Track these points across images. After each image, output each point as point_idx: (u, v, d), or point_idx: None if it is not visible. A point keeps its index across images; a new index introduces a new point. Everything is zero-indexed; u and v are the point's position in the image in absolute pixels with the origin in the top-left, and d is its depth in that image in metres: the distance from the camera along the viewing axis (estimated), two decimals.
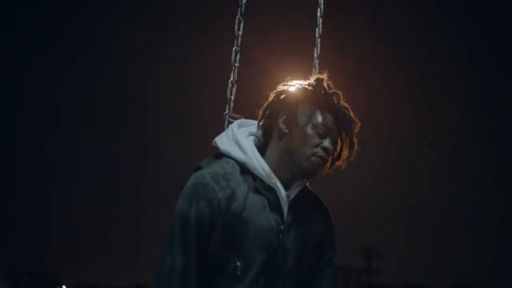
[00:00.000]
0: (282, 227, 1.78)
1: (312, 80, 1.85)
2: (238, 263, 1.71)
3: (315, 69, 2.61)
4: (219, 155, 1.84)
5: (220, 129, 2.02)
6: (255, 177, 1.78)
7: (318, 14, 2.83)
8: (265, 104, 1.87)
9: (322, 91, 1.82)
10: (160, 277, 1.70)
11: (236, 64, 2.09)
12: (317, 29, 2.79)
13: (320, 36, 2.76)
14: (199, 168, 1.82)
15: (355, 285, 43.11)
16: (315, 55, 2.68)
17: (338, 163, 1.86)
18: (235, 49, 2.15)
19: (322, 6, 2.81)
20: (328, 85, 1.84)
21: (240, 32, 2.15)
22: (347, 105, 1.84)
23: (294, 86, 1.86)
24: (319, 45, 2.72)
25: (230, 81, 2.09)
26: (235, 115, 2.06)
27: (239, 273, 1.71)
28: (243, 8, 2.21)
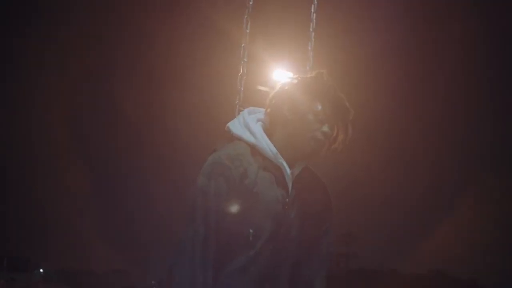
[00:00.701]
0: (287, 200, 2.07)
1: (313, 73, 2.14)
2: (251, 231, 1.99)
3: (309, 62, 2.91)
4: (232, 138, 2.13)
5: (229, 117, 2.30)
6: (263, 157, 2.06)
7: (312, 10, 3.13)
8: (272, 94, 2.15)
9: (322, 84, 2.11)
10: (184, 245, 1.97)
11: (245, 60, 2.37)
12: (311, 24, 3.08)
13: (313, 30, 3.06)
14: (214, 150, 2.11)
15: (334, 270, 43.72)
16: (309, 47, 2.98)
17: (334, 146, 2.15)
18: (243, 46, 2.43)
19: (316, 1, 3.10)
20: (327, 78, 2.13)
21: (247, 31, 2.44)
22: (343, 96, 2.13)
23: (297, 79, 2.16)
24: (313, 39, 3.02)
25: (239, 74, 2.37)
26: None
27: (251, 239, 2.00)
28: (250, 9, 2.49)
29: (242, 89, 2.33)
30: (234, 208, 2.00)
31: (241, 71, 2.31)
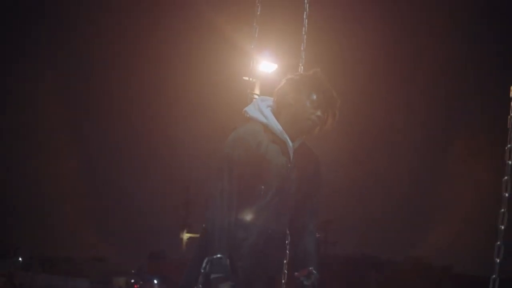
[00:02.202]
0: (289, 165, 2.78)
1: (310, 72, 2.84)
2: (262, 187, 2.71)
3: (301, 60, 3.60)
4: (248, 119, 2.82)
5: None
6: (272, 133, 2.77)
7: (304, 16, 3.79)
8: (279, 87, 2.85)
9: (317, 79, 2.81)
10: (214, 197, 2.67)
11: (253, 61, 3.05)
12: (303, 28, 3.75)
13: (305, 33, 3.73)
14: (235, 128, 2.80)
15: None
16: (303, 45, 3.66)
17: (325, 127, 2.85)
18: (252, 47, 3.11)
19: (307, 9, 3.77)
20: (320, 75, 2.83)
21: (256, 35, 3.12)
22: (332, 88, 2.83)
23: (298, 75, 2.87)
24: (305, 41, 3.70)
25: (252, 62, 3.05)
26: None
27: (262, 193, 2.71)
28: (258, 18, 3.17)
29: (253, 80, 2.99)
30: (251, 170, 2.70)
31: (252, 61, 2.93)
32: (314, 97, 2.78)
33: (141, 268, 57.47)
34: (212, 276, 2.57)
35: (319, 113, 2.78)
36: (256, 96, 3.01)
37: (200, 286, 2.60)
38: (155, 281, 49.42)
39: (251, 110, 2.85)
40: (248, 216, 2.69)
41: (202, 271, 2.60)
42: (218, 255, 2.58)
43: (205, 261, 2.59)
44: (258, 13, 3.28)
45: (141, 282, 51.33)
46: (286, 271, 3.18)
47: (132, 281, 52.95)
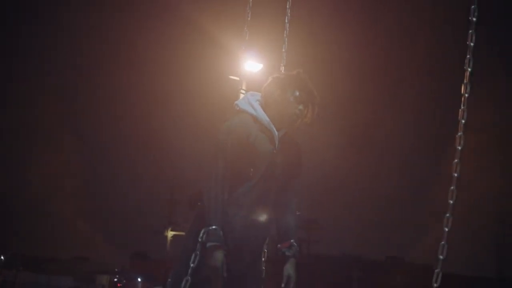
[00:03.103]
0: (274, 151, 3.21)
1: (294, 72, 3.28)
2: (251, 170, 3.14)
3: (283, 60, 4.04)
4: (239, 111, 3.25)
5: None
6: (261, 124, 3.20)
7: (286, 20, 4.22)
8: (266, 84, 3.29)
9: (299, 78, 3.26)
10: (209, 179, 3.09)
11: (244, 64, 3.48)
12: (284, 31, 4.19)
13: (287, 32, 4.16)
14: (227, 119, 3.23)
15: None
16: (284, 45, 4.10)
17: (305, 120, 3.29)
18: (243, 51, 3.55)
19: (289, 13, 4.20)
20: (303, 74, 3.27)
21: (246, 38, 3.55)
22: (312, 86, 3.27)
23: (283, 75, 3.31)
24: (286, 43, 4.14)
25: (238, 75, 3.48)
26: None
27: (251, 175, 3.14)
28: (248, 22, 3.60)
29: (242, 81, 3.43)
30: (242, 155, 3.14)
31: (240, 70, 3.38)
32: (297, 93, 3.23)
33: (124, 267, 57.65)
34: (208, 244, 3.00)
35: (301, 107, 3.22)
36: (243, 92, 3.44)
37: (198, 253, 3.02)
38: (139, 279, 49.58)
39: (241, 103, 3.28)
40: (239, 195, 3.13)
41: (199, 240, 3.02)
42: (214, 227, 3.01)
43: (202, 231, 3.02)
44: (249, 19, 3.70)
45: (124, 281, 51.46)
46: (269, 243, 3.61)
47: (115, 280, 53.11)
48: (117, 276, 53.87)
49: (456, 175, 2.65)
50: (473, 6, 2.65)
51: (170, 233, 42.03)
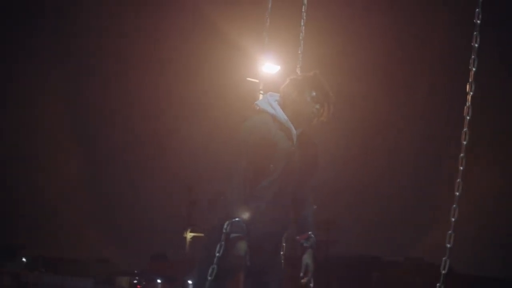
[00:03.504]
0: (293, 148, 3.42)
1: (311, 73, 3.49)
2: (271, 166, 3.35)
3: (299, 62, 4.25)
4: (259, 111, 3.46)
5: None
6: (280, 122, 3.41)
7: (302, 23, 4.43)
8: (284, 85, 3.50)
9: (316, 79, 3.46)
10: (233, 175, 3.30)
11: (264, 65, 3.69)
12: (300, 34, 4.40)
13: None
14: (246, 119, 3.44)
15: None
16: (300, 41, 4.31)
17: (321, 118, 3.50)
18: (262, 56, 3.75)
19: (305, 16, 4.41)
20: (319, 76, 3.47)
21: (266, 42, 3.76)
22: (328, 87, 3.48)
23: (301, 76, 3.52)
24: (302, 45, 4.34)
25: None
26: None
27: (271, 171, 3.35)
28: (268, 27, 3.81)
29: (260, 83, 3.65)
30: (262, 152, 3.35)
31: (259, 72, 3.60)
32: (314, 94, 3.43)
33: (144, 269, 58.08)
34: (232, 235, 3.21)
35: (318, 106, 3.43)
36: (262, 93, 3.66)
37: (222, 243, 3.24)
38: (158, 281, 49.99)
39: (261, 103, 3.50)
40: (260, 190, 3.34)
41: (224, 231, 3.24)
42: (237, 219, 3.22)
43: (226, 223, 3.23)
44: (267, 24, 3.92)
45: (144, 283, 51.90)
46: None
47: (135, 281, 53.57)
48: (137, 277, 54.35)
49: (461, 168, 2.83)
50: (477, 9, 2.83)
51: (189, 235, 42.31)
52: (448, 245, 2.88)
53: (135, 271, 58.30)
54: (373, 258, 48.21)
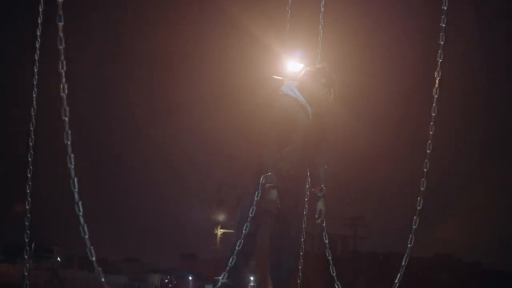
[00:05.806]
0: (309, 122, 4.56)
1: (321, 65, 4.64)
2: (294, 135, 4.50)
3: (318, 58, 5.34)
4: (283, 95, 4.60)
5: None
6: (300, 103, 4.56)
7: (320, 25, 5.49)
8: (301, 75, 4.65)
9: (325, 70, 4.61)
10: (265, 143, 4.45)
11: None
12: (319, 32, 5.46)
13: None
14: (276, 100, 4.57)
15: (341, 251, 45.56)
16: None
17: (329, 100, 4.62)
18: (284, 55, 4.89)
19: (322, 17, 5.47)
20: (327, 67, 4.61)
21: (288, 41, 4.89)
22: (335, 75, 4.62)
23: (313, 68, 4.71)
24: (320, 44, 5.43)
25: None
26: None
27: (294, 138, 4.49)
28: (288, 26, 4.94)
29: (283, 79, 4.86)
30: (287, 125, 4.50)
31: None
32: (323, 80, 4.58)
33: (175, 267, 58.98)
34: (267, 185, 4.36)
35: (327, 89, 4.58)
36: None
37: (259, 191, 4.37)
38: (190, 278, 50.83)
39: (285, 89, 4.67)
40: (286, 153, 4.48)
41: (260, 183, 4.36)
42: (269, 173, 4.36)
43: (261, 177, 4.37)
44: (288, 28, 5.06)
45: (175, 282, 52.81)
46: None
47: (166, 281, 54.48)
48: (168, 276, 55.28)
49: (425, 170, 3.91)
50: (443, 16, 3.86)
51: (219, 231, 43.24)
52: (419, 207, 3.90)
53: (167, 268, 59.14)
54: (401, 254, 48.12)
